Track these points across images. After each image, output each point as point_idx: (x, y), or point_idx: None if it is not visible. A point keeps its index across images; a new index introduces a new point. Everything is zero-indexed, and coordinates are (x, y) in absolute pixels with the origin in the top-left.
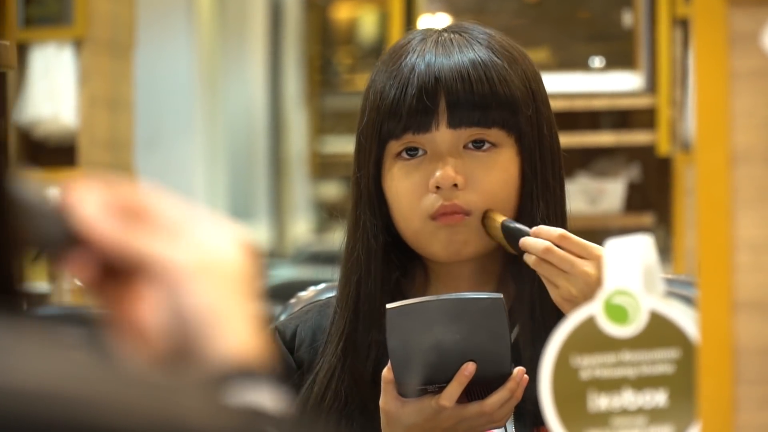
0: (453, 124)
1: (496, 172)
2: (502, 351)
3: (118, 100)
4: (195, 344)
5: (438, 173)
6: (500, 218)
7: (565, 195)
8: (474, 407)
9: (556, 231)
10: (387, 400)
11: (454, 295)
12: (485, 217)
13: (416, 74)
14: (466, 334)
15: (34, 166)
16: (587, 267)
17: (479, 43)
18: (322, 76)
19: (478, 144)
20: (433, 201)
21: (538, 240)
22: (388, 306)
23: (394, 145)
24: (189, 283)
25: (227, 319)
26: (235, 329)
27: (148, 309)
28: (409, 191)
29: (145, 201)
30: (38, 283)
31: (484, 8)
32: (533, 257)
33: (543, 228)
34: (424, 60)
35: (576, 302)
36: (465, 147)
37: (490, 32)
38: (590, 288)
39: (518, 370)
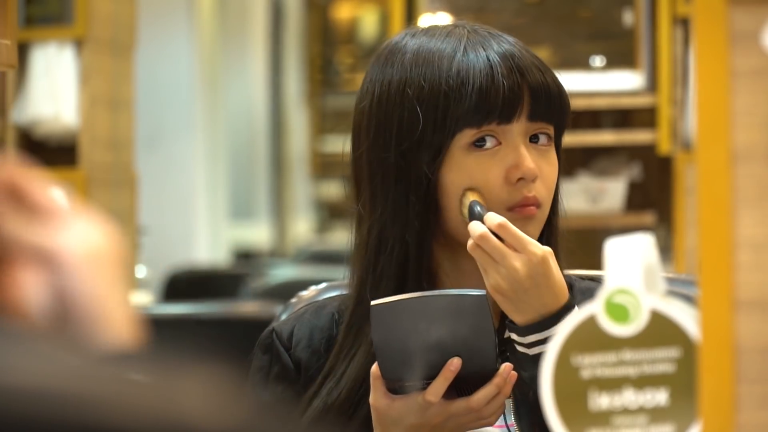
0: (533, 116)
1: (554, 167)
2: (488, 347)
3: (118, 100)
4: (76, 326)
5: (523, 165)
6: (471, 197)
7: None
8: (461, 403)
9: (498, 219)
10: (376, 396)
11: (438, 292)
12: (463, 195)
13: (498, 65)
14: (451, 330)
15: (34, 166)
16: (516, 262)
17: (514, 41)
18: (322, 75)
19: (534, 139)
20: (511, 192)
21: (479, 225)
22: (372, 303)
23: (467, 134)
24: (71, 269)
25: (107, 304)
26: (115, 313)
27: (30, 291)
28: (486, 181)
29: (21, 182)
30: None
31: (484, 7)
32: (471, 241)
33: (490, 214)
34: (493, 52)
35: (505, 295)
36: (530, 140)
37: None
38: (518, 284)
39: (505, 366)
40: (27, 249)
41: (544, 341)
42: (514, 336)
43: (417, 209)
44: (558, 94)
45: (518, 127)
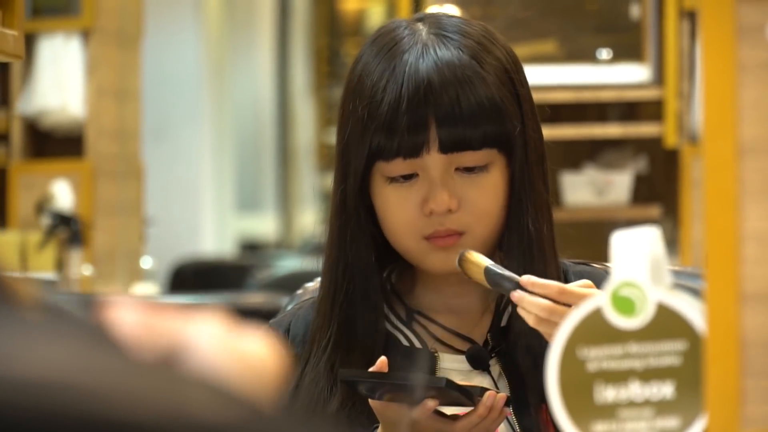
0: (444, 149)
1: (488, 192)
2: (465, 404)
3: (125, 91)
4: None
5: (434, 200)
6: (482, 263)
7: (549, 191)
8: (447, 427)
9: (554, 285)
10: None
11: (400, 378)
12: (463, 260)
13: (407, 96)
14: (421, 401)
15: (41, 157)
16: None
17: (462, 48)
18: (329, 67)
19: (469, 167)
20: (426, 224)
21: (538, 299)
22: (340, 372)
23: (382, 165)
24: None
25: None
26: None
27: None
28: (402, 213)
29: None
30: (45, 271)
31: (491, 0)
32: (533, 316)
33: (536, 282)
34: (413, 79)
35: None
36: (456, 169)
37: (465, 26)
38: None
39: (488, 395)
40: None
41: None
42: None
43: (352, 229)
44: (482, 118)
45: (431, 161)
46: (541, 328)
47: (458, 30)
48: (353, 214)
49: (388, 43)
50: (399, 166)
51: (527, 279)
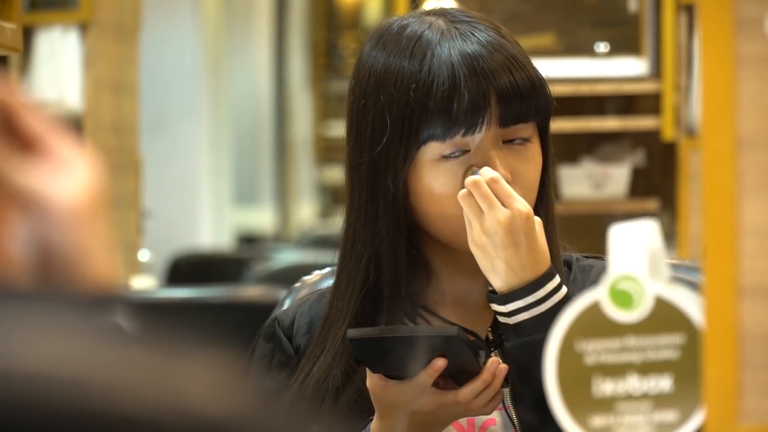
0: (504, 122)
1: (533, 165)
2: (469, 361)
3: (123, 84)
4: (57, 273)
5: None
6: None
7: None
8: (449, 396)
9: (492, 173)
10: (371, 380)
11: (411, 330)
12: (468, 169)
13: (462, 74)
14: (430, 359)
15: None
16: (500, 214)
17: (488, 30)
18: (327, 60)
19: (511, 138)
20: None
21: (475, 176)
22: (348, 333)
23: (434, 145)
24: (58, 217)
25: (91, 253)
26: (99, 260)
27: (14, 234)
28: (453, 188)
29: (14, 109)
30: None
31: None
32: (463, 190)
33: (486, 168)
34: (460, 56)
35: (484, 249)
36: (504, 141)
37: (471, 14)
38: (499, 237)
39: (492, 361)
40: (15, 190)
41: (525, 309)
42: (494, 306)
43: (386, 218)
44: (533, 92)
45: (487, 135)
46: (463, 204)
47: (470, 16)
48: (390, 206)
49: (409, 36)
50: (454, 144)
51: (484, 168)
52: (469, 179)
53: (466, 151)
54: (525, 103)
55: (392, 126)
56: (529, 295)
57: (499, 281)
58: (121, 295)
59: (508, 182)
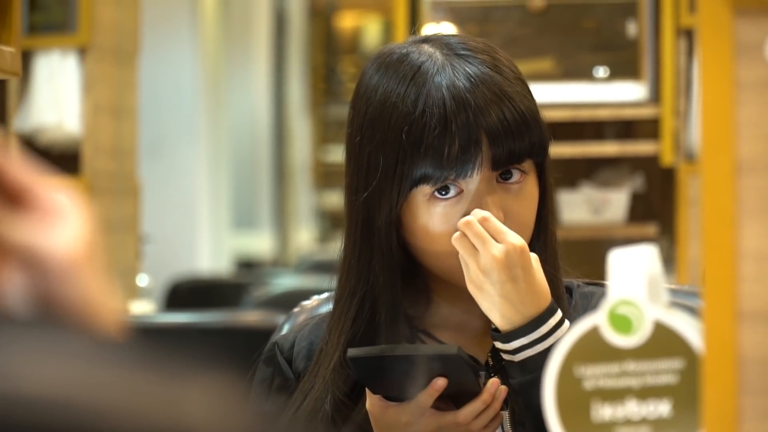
0: (496, 165)
1: (528, 201)
2: (469, 382)
3: (122, 108)
4: (59, 325)
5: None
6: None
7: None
8: (449, 417)
9: (483, 213)
10: (371, 402)
11: (411, 349)
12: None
13: (453, 117)
14: (429, 378)
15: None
16: (495, 250)
17: (483, 64)
18: (325, 84)
19: (506, 175)
20: None
21: (467, 216)
22: (349, 352)
23: (428, 187)
24: (57, 271)
25: (95, 301)
26: (102, 309)
27: (12, 290)
28: (447, 229)
29: (4, 167)
30: None
31: (488, 17)
32: (457, 233)
33: (477, 210)
34: (455, 99)
35: (482, 288)
36: (499, 178)
37: (470, 42)
38: (496, 274)
39: (492, 382)
40: (10, 246)
41: (529, 345)
42: (498, 344)
43: (380, 257)
44: (525, 129)
45: (480, 177)
46: (457, 246)
47: (467, 47)
48: (384, 242)
49: (409, 66)
50: (447, 186)
51: (475, 210)
52: (462, 221)
53: (460, 190)
54: (517, 141)
55: (385, 165)
56: (533, 331)
57: (501, 319)
58: (126, 340)
59: (501, 221)
